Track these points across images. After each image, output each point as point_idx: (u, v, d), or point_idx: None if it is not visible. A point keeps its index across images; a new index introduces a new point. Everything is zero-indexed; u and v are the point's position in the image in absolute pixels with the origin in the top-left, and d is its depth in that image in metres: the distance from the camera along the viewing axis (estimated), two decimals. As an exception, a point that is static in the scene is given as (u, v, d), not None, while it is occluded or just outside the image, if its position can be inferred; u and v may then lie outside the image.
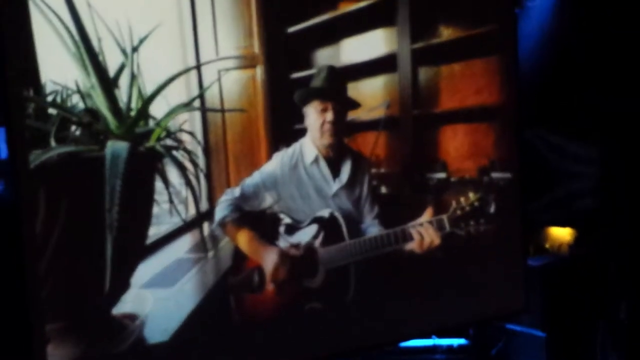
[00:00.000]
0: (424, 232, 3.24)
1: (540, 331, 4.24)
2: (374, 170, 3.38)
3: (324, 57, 3.24)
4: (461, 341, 4.36)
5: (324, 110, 3.18)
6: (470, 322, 3.99)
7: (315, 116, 3.19)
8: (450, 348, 4.39)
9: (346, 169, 3.28)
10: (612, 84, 4.21)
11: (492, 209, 3.38)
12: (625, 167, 4.31)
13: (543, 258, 4.51)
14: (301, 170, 3.21)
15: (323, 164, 3.24)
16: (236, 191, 3.12)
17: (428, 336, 4.22)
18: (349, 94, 3.27)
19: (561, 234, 4.72)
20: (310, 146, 3.22)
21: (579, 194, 4.55)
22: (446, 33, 3.52)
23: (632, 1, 4.11)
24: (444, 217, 3.26)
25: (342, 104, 3.24)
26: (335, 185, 3.26)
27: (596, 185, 4.46)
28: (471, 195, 3.29)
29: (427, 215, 3.27)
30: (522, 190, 3.78)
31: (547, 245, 4.77)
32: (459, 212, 3.27)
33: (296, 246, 3.20)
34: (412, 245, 3.26)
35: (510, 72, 3.69)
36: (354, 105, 3.27)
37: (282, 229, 3.21)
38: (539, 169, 4.48)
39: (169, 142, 2.83)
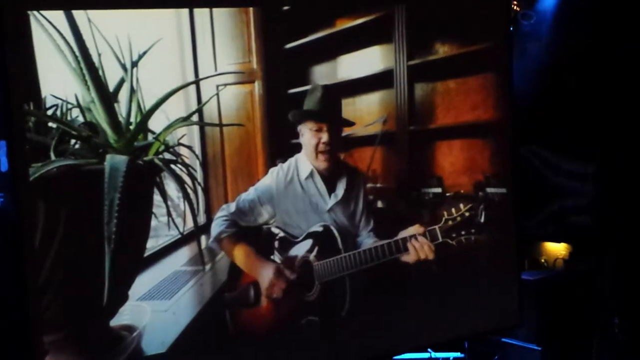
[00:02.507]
0: (416, 244, 3.26)
1: (535, 345, 4.26)
2: (370, 185, 3.40)
3: (322, 73, 3.26)
4: (457, 355, 4.36)
5: (319, 131, 3.18)
6: (466, 335, 4.00)
7: (309, 135, 3.20)
8: (445, 362, 4.41)
9: (342, 184, 3.29)
10: (606, 101, 4.24)
11: (482, 219, 3.41)
12: (619, 184, 4.34)
13: (539, 273, 4.54)
14: (297, 185, 3.22)
15: (318, 178, 3.25)
16: (232, 207, 3.13)
17: (424, 350, 4.23)
18: (345, 110, 3.29)
19: (556, 248, 4.74)
20: (305, 161, 3.23)
21: (574, 209, 4.57)
22: (442, 50, 3.55)
23: (625, 21, 4.15)
24: (436, 227, 3.29)
25: (337, 124, 3.25)
26: (331, 201, 3.27)
27: (590, 201, 4.49)
28: (461, 206, 3.32)
29: (417, 225, 3.30)
30: (517, 205, 3.80)
31: (542, 260, 4.79)
32: (450, 222, 3.30)
33: (292, 261, 3.22)
34: (406, 257, 3.27)
35: (505, 89, 3.71)
36: (348, 124, 3.29)
37: (277, 244, 3.22)
38: (534, 185, 4.51)
39: (167, 155, 2.85)
